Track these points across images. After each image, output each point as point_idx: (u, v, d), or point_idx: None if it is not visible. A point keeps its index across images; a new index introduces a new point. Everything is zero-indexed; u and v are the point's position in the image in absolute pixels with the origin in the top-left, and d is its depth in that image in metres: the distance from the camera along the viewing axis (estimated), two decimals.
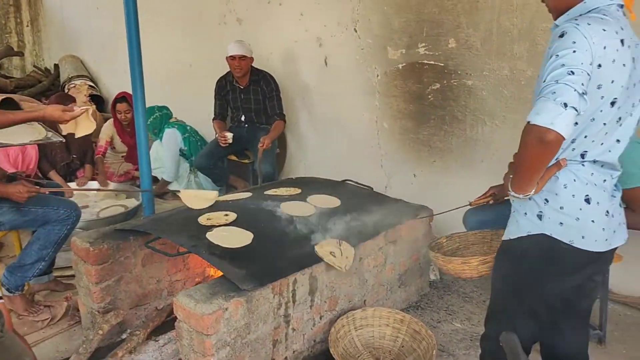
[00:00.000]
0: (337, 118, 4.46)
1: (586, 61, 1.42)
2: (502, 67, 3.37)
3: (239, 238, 2.43)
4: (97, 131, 4.45)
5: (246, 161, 4.63)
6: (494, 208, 2.64)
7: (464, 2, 3.43)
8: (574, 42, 1.43)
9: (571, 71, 1.40)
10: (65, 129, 3.58)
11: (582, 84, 1.41)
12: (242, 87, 4.39)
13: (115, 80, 6.81)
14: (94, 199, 4.41)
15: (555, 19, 1.64)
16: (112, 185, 4.67)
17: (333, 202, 2.95)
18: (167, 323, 2.70)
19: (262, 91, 4.35)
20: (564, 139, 1.40)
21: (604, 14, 1.51)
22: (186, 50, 5.65)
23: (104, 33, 6.83)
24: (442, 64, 3.63)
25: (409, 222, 2.95)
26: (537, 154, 1.45)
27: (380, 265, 2.81)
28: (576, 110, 1.39)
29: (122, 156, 5.11)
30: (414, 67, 3.79)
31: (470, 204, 2.14)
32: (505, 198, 1.87)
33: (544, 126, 1.39)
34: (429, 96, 3.76)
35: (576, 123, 1.47)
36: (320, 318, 2.52)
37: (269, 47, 4.77)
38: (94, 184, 4.57)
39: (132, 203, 4.29)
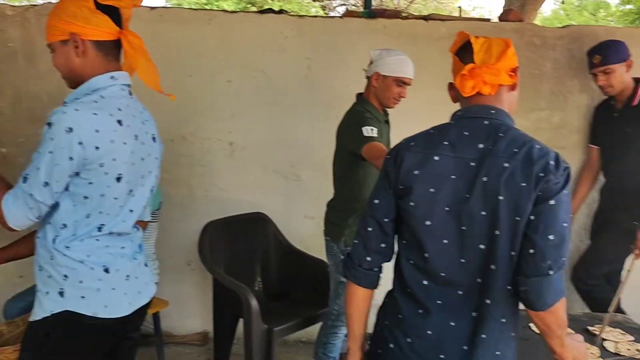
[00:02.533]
0: None
1: (75, 150, 1.47)
2: (38, 133, 3.01)
3: None
4: None
5: None
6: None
7: None
8: (65, 130, 1.47)
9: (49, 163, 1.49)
10: None
11: (54, 174, 1.49)
12: None
13: None
14: None
15: (69, 86, 1.65)
16: None
17: None
18: None
19: None
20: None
21: (101, 96, 1.57)
22: None
23: None
24: None
25: None
26: None
27: None
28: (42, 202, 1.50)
29: None
30: None
31: None
32: None
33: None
34: None
35: (86, 197, 1.53)
36: None
37: None
38: None
39: None
